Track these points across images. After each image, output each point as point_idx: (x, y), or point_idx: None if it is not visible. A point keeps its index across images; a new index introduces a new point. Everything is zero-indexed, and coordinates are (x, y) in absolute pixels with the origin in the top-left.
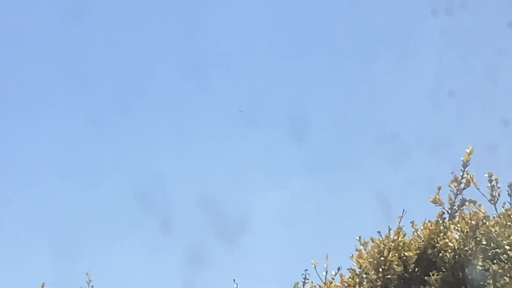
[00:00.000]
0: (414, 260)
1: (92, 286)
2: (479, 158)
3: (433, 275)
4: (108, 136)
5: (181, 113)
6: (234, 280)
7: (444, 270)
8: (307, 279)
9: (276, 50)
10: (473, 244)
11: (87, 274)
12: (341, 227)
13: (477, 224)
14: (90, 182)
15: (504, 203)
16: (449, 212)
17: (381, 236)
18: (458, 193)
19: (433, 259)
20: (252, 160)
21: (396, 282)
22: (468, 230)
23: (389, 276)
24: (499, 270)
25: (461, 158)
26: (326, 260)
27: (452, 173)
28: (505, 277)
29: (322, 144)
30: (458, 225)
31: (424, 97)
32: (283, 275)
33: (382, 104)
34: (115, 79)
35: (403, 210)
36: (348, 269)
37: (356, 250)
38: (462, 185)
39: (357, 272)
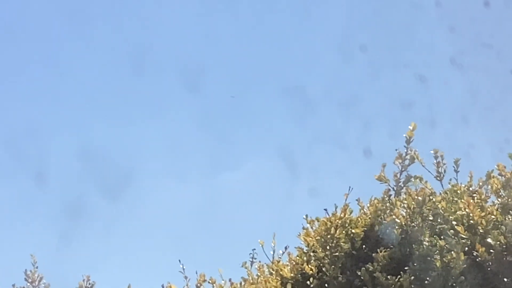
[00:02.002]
0: (361, 237)
1: (37, 267)
2: (394, 115)
3: (380, 251)
4: None
5: (61, 58)
6: (179, 260)
7: (391, 246)
8: (255, 259)
9: None
10: (420, 220)
11: (31, 255)
12: (241, 184)
13: (423, 200)
14: None
15: (450, 179)
16: (395, 189)
17: (328, 214)
18: (403, 169)
19: (380, 236)
20: (141, 110)
21: (343, 259)
22: (414, 206)
23: (337, 254)
24: (446, 246)
25: (404, 135)
26: (273, 239)
27: (396, 150)
28: (452, 252)
29: (220, 96)
30: (405, 201)
31: (333, 50)
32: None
33: (288, 56)
34: None
35: (350, 187)
36: (295, 247)
37: (303, 228)
38: (406, 162)
39: (304, 250)
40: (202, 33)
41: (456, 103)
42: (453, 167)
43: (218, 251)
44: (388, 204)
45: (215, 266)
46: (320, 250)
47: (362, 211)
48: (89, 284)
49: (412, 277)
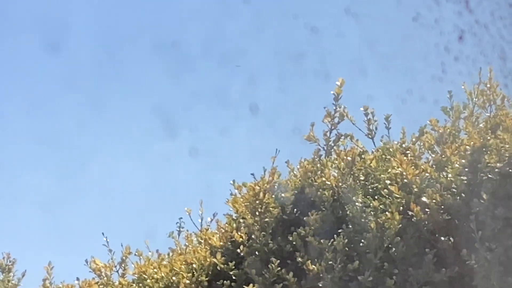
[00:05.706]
0: (291, 201)
1: None
2: (283, 68)
3: (312, 215)
4: None
5: None
6: (103, 233)
7: (323, 209)
8: (182, 228)
9: None
10: (351, 180)
11: None
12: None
13: (353, 159)
14: None
15: (382, 136)
16: (325, 148)
17: (255, 178)
18: (332, 128)
19: (312, 199)
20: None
21: (273, 225)
22: (344, 166)
23: (267, 219)
24: (380, 206)
25: (332, 92)
26: (201, 206)
27: (324, 107)
28: (386, 213)
29: (87, 56)
30: (336, 162)
31: (214, 3)
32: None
33: (162, 10)
34: None
35: (276, 149)
36: (224, 214)
37: (231, 194)
38: (336, 120)
39: (233, 217)
40: None
41: (352, 54)
42: (384, 123)
43: (143, 223)
44: (318, 165)
45: (141, 238)
46: (249, 217)
47: (291, 173)
48: (10, 261)
49: (346, 240)
